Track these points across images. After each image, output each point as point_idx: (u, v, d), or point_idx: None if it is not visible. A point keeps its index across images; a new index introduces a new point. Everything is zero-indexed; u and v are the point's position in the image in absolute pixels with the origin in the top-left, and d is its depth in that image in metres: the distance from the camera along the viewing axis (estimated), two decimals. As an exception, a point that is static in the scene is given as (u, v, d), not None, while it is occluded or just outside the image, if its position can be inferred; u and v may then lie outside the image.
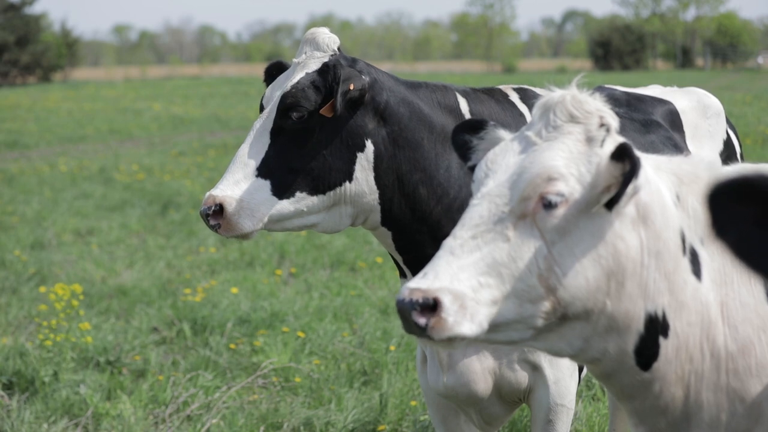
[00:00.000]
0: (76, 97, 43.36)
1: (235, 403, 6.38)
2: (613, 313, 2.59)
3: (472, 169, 2.86)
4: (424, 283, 2.44)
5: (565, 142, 2.57)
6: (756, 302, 2.74)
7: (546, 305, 2.52)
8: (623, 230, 2.56)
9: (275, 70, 3.97)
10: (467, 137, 2.90)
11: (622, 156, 2.51)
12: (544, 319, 2.54)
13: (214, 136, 25.00)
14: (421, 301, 2.41)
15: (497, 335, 2.54)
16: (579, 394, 6.14)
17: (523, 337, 2.58)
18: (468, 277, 2.46)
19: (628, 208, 2.57)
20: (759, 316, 2.74)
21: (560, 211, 2.51)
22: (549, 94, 2.66)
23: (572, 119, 2.61)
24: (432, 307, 2.41)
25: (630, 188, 2.49)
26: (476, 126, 2.90)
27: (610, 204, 2.51)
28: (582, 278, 2.52)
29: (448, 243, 2.52)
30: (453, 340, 2.44)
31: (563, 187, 2.52)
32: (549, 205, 2.51)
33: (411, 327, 2.44)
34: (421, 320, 2.41)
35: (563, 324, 2.57)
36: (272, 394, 6.62)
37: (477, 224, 2.53)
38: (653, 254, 2.61)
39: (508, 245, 2.50)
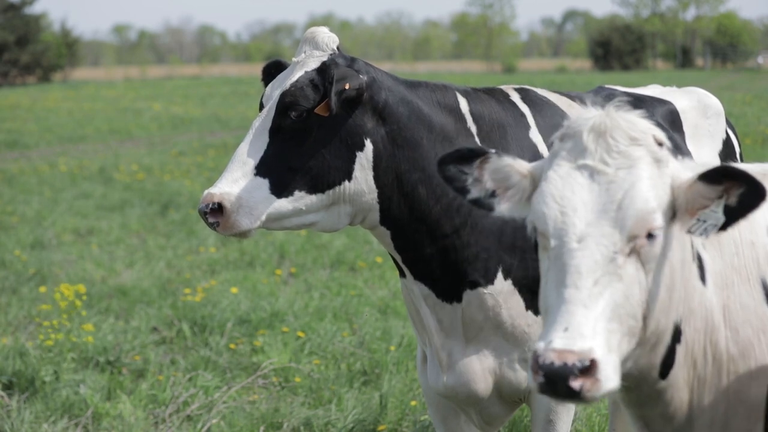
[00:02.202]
0: (76, 97, 43.35)
1: (235, 403, 6.37)
2: (661, 329, 2.57)
3: (476, 202, 2.74)
4: (574, 344, 2.33)
5: (643, 169, 2.51)
6: (756, 304, 2.73)
7: (639, 335, 2.49)
8: (674, 244, 2.56)
9: (273, 68, 3.97)
10: (459, 168, 2.74)
11: (719, 178, 2.47)
12: (632, 349, 2.50)
13: (214, 136, 24.99)
14: (578, 365, 2.30)
15: None
16: (579, 394, 6.13)
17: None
18: (603, 329, 2.38)
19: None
20: (759, 318, 2.73)
21: (659, 240, 2.49)
22: (593, 118, 2.58)
23: (633, 141, 2.54)
24: (587, 369, 2.32)
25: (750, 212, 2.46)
26: (467, 156, 2.74)
27: (722, 228, 2.48)
28: (659, 300, 2.51)
29: (574, 295, 2.40)
30: (601, 397, 2.37)
31: (661, 219, 2.49)
32: (651, 237, 2.47)
33: (558, 392, 2.33)
34: (577, 384, 2.31)
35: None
36: (272, 394, 6.61)
37: (593, 269, 2.44)
38: (681, 263, 2.61)
39: (622, 285, 2.44)
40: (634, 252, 2.46)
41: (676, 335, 2.63)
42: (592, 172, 2.52)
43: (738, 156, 4.83)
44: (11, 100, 40.44)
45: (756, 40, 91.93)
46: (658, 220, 2.47)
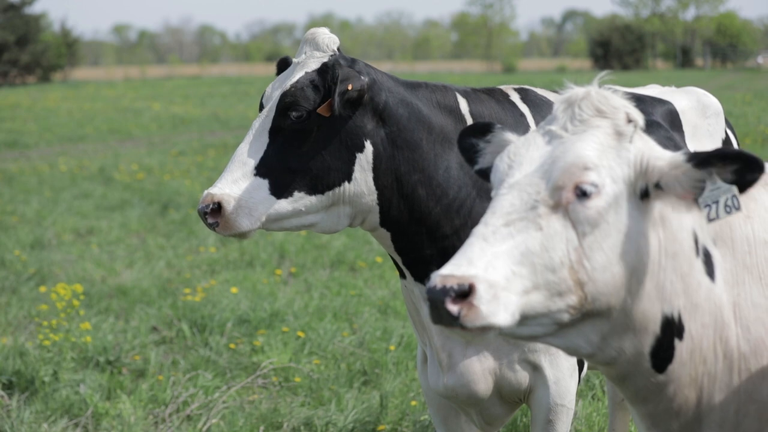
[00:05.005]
0: (76, 97, 43.35)
1: (235, 403, 6.38)
2: (631, 311, 2.57)
3: (480, 172, 2.87)
4: (458, 269, 2.35)
5: (595, 134, 2.55)
6: (767, 302, 2.72)
7: (573, 299, 2.48)
8: (646, 229, 2.55)
9: (283, 65, 3.96)
10: (474, 141, 2.89)
11: (709, 162, 2.49)
12: (570, 314, 2.50)
13: (214, 136, 24.99)
14: (456, 287, 2.32)
15: (523, 329, 2.49)
16: (579, 394, 6.13)
17: (546, 333, 2.53)
18: (502, 266, 2.39)
19: (654, 208, 2.56)
20: None
21: (593, 202, 2.49)
22: (571, 90, 2.65)
23: (599, 113, 2.59)
24: (466, 294, 2.33)
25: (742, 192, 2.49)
26: (483, 129, 2.88)
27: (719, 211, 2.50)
28: (609, 273, 2.50)
29: (480, 230, 2.45)
30: (485, 330, 2.36)
31: (597, 178, 2.49)
32: (583, 195, 2.48)
33: (441, 316, 2.34)
34: (454, 308, 2.32)
35: (584, 320, 2.54)
36: (272, 394, 6.62)
37: (509, 212, 2.47)
38: (670, 255, 2.59)
39: (540, 234, 2.45)
40: (561, 207, 2.48)
41: (673, 329, 2.62)
42: (552, 137, 2.60)
43: (737, 156, 4.82)
44: (11, 100, 40.43)
45: (756, 40, 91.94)
46: (590, 177, 2.48)
